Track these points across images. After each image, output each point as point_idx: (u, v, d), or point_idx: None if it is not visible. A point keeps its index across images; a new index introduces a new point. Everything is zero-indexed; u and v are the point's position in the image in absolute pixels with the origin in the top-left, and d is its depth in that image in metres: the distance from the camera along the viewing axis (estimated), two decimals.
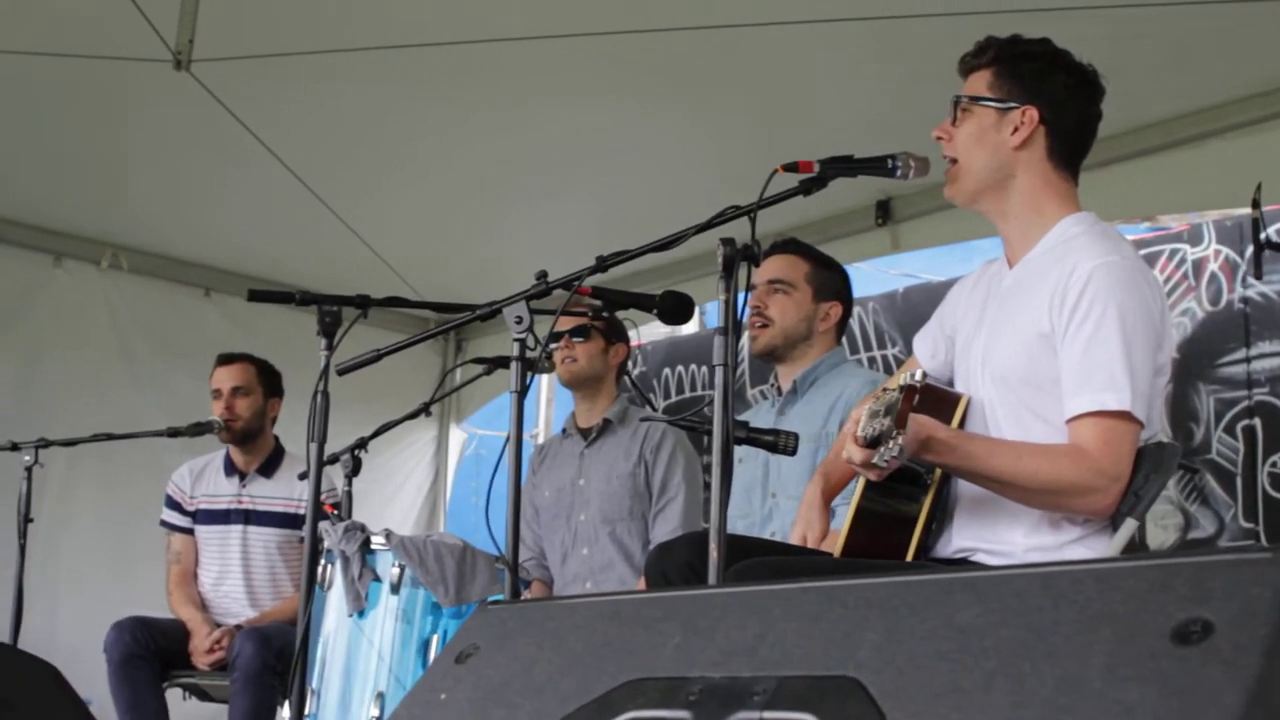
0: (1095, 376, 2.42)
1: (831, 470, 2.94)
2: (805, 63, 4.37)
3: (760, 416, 3.92)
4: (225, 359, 5.12)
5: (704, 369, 6.57)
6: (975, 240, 4.89)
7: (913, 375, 2.36)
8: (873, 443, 2.27)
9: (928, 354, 2.90)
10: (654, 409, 6.03)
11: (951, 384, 2.78)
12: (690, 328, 7.07)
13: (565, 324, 4.31)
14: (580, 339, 4.41)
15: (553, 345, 4.35)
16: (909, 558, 2.60)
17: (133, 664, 4.62)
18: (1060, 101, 2.63)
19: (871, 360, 5.87)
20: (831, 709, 1.31)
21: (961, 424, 2.61)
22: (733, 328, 2.45)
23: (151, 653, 4.67)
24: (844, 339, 4.04)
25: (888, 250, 5.39)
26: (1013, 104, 2.63)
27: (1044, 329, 2.51)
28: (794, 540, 2.89)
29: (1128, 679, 1.13)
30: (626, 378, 4.54)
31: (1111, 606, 1.21)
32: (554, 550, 4.52)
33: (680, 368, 6.74)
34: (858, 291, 4.28)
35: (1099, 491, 2.42)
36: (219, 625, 4.85)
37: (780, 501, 3.75)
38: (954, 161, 2.69)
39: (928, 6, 3.87)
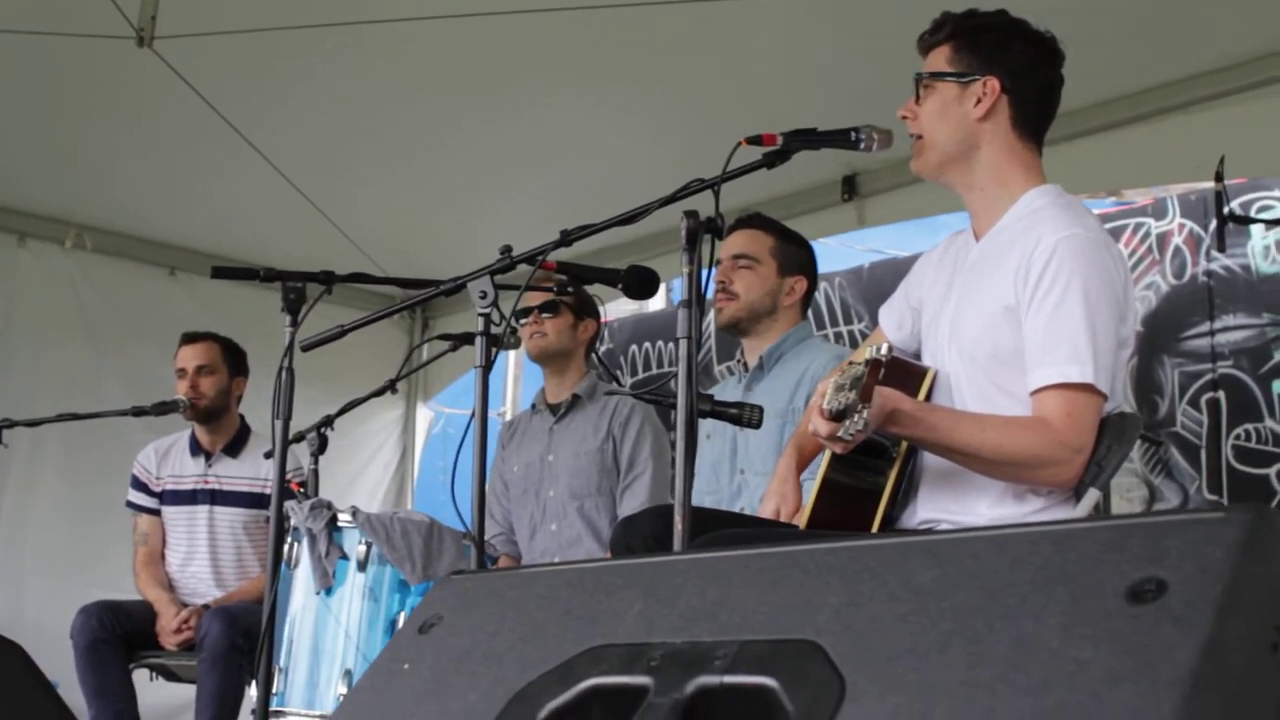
0: (1059, 349, 2.43)
1: (805, 443, 2.94)
2: (770, 37, 4.37)
3: (727, 392, 3.92)
4: (190, 338, 5.09)
5: (671, 345, 6.58)
6: (941, 215, 4.89)
7: (879, 349, 2.37)
8: (838, 416, 2.27)
9: (894, 326, 2.91)
10: (621, 385, 6.03)
11: (918, 356, 2.79)
12: (657, 304, 7.10)
13: (535, 299, 4.30)
14: (549, 314, 4.40)
15: (521, 320, 4.34)
16: (874, 530, 2.61)
17: (99, 649, 4.58)
18: (1020, 69, 2.62)
19: (838, 335, 5.89)
20: (791, 672, 1.32)
21: (928, 397, 2.62)
22: (696, 300, 2.45)
23: (118, 637, 4.64)
24: (810, 314, 4.04)
25: (854, 225, 5.39)
26: (973, 76, 2.62)
27: (1009, 302, 2.51)
28: (766, 514, 2.89)
29: (1082, 637, 1.14)
30: (594, 355, 4.53)
31: (1067, 567, 1.22)
32: (522, 525, 4.51)
33: (647, 344, 6.75)
34: (824, 267, 4.28)
35: (1062, 464, 2.43)
36: (186, 605, 4.82)
37: (748, 478, 3.75)
38: (919, 138, 2.69)
39: None
